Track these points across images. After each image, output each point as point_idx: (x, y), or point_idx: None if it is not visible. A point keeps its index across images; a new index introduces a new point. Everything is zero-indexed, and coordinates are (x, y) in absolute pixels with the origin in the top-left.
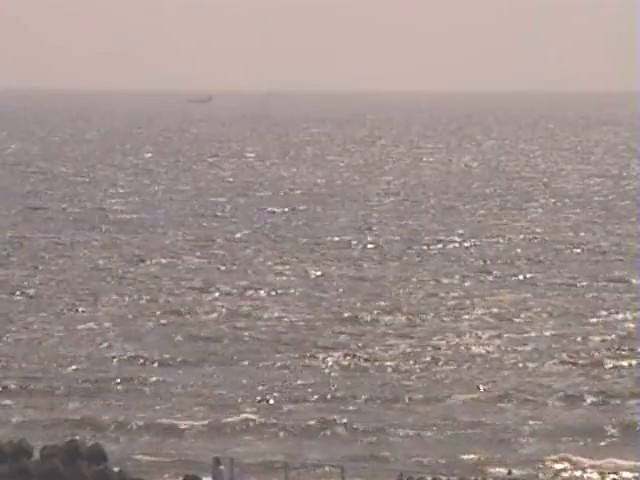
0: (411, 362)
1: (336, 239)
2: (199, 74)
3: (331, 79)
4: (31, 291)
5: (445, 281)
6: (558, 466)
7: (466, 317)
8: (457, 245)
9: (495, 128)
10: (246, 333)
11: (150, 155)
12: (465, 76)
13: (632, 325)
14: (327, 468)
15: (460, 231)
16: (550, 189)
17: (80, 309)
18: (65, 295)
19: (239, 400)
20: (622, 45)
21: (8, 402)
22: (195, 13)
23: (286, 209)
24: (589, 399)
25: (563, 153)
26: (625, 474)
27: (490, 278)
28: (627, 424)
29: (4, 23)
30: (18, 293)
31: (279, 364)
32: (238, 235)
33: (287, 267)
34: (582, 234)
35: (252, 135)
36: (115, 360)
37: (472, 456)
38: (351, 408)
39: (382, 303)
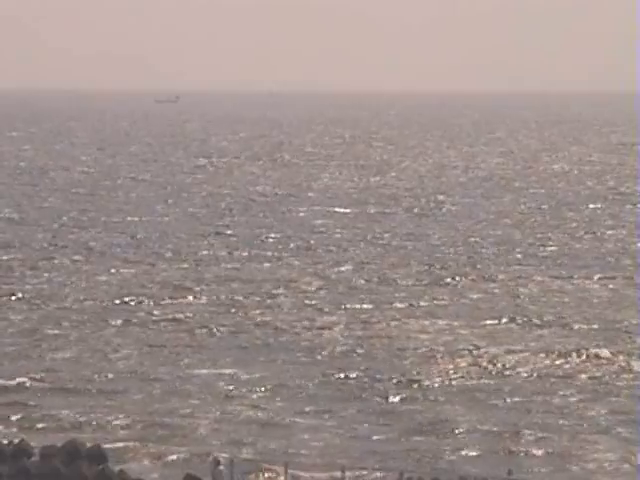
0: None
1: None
2: (198, 73)
3: (329, 79)
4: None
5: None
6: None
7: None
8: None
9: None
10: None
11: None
12: (465, 76)
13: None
14: (327, 468)
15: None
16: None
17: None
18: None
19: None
20: (622, 45)
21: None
22: (195, 14)
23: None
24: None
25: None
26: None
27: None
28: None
29: (4, 22)
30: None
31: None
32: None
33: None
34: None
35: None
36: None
37: (472, 456)
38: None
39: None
